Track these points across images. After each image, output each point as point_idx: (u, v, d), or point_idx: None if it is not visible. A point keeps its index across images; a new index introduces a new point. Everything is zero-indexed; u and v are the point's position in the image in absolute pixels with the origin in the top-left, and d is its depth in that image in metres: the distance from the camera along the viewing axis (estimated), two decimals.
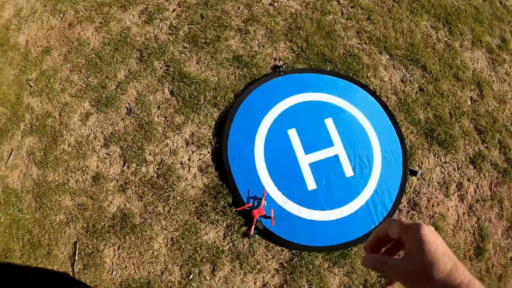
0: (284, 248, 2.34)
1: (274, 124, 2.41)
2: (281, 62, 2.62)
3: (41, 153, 2.44)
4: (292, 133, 2.41)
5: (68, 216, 2.45)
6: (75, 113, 2.56)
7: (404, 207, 2.54)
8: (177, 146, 2.36)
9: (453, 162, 2.59)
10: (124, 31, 2.73)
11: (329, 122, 2.51)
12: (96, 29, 2.82)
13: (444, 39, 2.96)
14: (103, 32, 2.79)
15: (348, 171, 2.46)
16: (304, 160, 2.40)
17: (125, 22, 2.78)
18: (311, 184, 2.37)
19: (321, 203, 2.37)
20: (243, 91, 2.47)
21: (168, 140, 2.36)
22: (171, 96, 2.45)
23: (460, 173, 2.57)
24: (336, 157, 2.45)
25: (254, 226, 2.26)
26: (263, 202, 2.30)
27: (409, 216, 2.52)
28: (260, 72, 2.55)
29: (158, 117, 2.41)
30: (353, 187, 2.44)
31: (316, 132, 2.48)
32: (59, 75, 2.73)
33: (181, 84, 2.46)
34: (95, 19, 2.85)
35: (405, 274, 0.46)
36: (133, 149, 2.36)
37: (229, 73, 2.52)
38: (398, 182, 2.57)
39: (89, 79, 2.62)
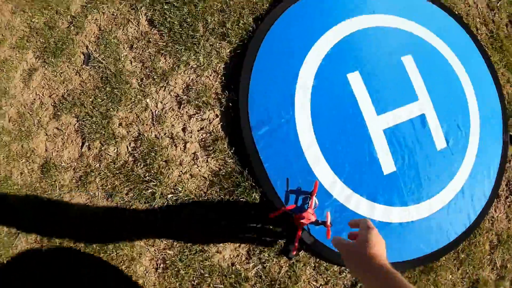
0: (344, 268, 1.18)
1: (324, 65, 1.00)
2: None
3: None
4: (355, 80, 1.01)
5: (15, 224, 1.30)
6: (16, 72, 1.22)
7: (503, 191, 1.34)
8: (164, 108, 0.97)
9: None
10: None
11: (408, 62, 1.09)
12: None
13: None
14: None
15: (440, 141, 1.26)
16: (376, 125, 1.13)
17: None
18: (387, 165, 1.19)
19: (403, 195, 1.19)
20: (270, 11, 1.00)
21: (148, 100, 0.98)
22: (151, 27, 1.04)
23: None
24: (422, 119, 1.25)
25: (299, 239, 1.06)
26: (314, 200, 1.07)
27: (508, 203, 1.34)
28: None
29: (131, 63, 1.02)
30: (446, 166, 1.24)
31: (391, 77, 1.27)
32: None
33: (166, 7, 1.03)
34: None
35: (351, 248, 0.58)
36: (94, 118, 1.00)
37: None
38: (498, 156, 1.33)
39: (33, 20, 1.24)
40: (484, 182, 1.26)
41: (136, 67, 1.21)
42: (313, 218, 1.03)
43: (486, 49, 1.43)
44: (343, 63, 1.17)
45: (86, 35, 1.31)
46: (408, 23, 1.30)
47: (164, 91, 1.17)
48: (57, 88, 1.30)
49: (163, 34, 1.21)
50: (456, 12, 1.45)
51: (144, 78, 1.19)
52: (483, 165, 1.27)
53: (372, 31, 1.25)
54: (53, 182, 1.25)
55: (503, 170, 1.31)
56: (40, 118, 1.31)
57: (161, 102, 1.16)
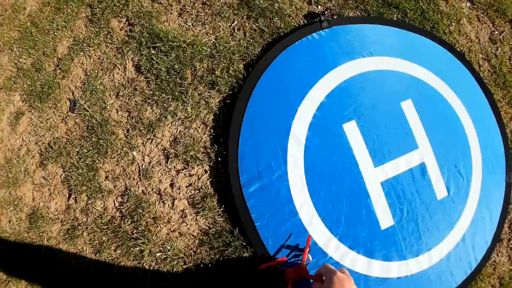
0: None
1: (319, 116, 0.88)
2: (320, 6, 1.01)
3: None
4: (351, 130, 0.89)
5: (6, 272, 1.21)
6: (3, 114, 1.10)
7: (506, 234, 1.23)
8: (151, 162, 0.86)
9: None
10: None
11: (408, 108, 0.98)
12: None
13: None
14: None
15: (440, 190, 1.13)
16: (373, 177, 1.08)
17: None
18: (385, 219, 1.08)
19: (401, 249, 1.07)
20: (261, 57, 0.88)
21: (134, 153, 0.86)
22: (138, 74, 0.92)
23: None
24: (422, 168, 1.13)
25: None
26: (307, 255, 0.94)
27: (510, 246, 1.23)
28: (287, 24, 0.96)
29: (117, 113, 0.90)
30: (446, 216, 1.12)
31: (390, 125, 1.15)
32: None
33: (154, 52, 0.91)
34: None
35: None
36: (80, 170, 0.90)
37: (234, 28, 0.95)
38: (501, 198, 1.20)
39: (20, 60, 1.13)
40: (486, 227, 1.14)
41: (122, 116, 1.10)
42: (306, 274, 0.93)
43: (489, 86, 1.31)
44: (338, 112, 1.05)
45: (72, 80, 1.20)
46: (407, 64, 1.18)
47: (151, 143, 1.06)
48: (43, 135, 1.20)
49: (150, 82, 1.10)
50: (458, 49, 1.33)
51: (130, 129, 1.08)
52: (485, 210, 1.15)
53: (370, 75, 1.12)
54: (41, 233, 1.15)
55: (506, 212, 1.19)
56: (27, 165, 1.21)
57: (148, 156, 1.05)
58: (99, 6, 1.27)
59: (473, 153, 1.18)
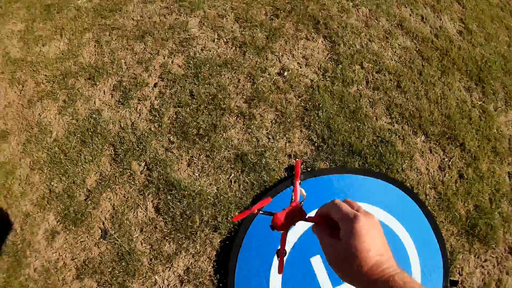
0: None
1: (293, 252, 1.37)
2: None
3: (3, 280, 1.50)
4: (316, 262, 1.38)
5: None
6: (39, 229, 1.44)
7: None
8: (169, 285, 1.26)
9: (493, 257, 1.73)
10: (93, 116, 1.50)
11: None
12: (59, 110, 1.58)
13: (479, 102, 1.95)
14: (68, 115, 1.55)
15: None
16: None
17: (94, 102, 1.53)
18: None
19: None
20: (250, 206, 1.29)
21: (156, 277, 1.25)
22: (157, 214, 1.29)
23: (499, 268, 1.70)
24: None
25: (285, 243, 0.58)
26: (298, 188, 0.61)
27: None
28: (271, 178, 1.39)
29: (142, 244, 1.27)
30: None
31: None
32: (18, 172, 1.53)
33: (169, 198, 1.29)
34: (58, 95, 1.61)
35: (331, 256, 0.39)
36: (113, 286, 1.24)
37: (231, 181, 1.35)
38: None
39: (52, 183, 1.45)
40: None
41: (146, 248, 1.46)
42: (300, 216, 0.55)
43: (433, 211, 1.68)
44: (307, 250, 1.50)
45: (102, 211, 1.52)
46: (363, 205, 1.60)
47: (169, 271, 1.44)
48: (78, 254, 1.52)
49: (167, 222, 1.46)
50: (408, 184, 1.68)
51: (153, 259, 1.44)
52: None
53: None
54: None
55: None
56: (64, 276, 1.53)
57: (167, 280, 1.43)
58: (121, 147, 1.57)
59: (414, 270, 1.63)
